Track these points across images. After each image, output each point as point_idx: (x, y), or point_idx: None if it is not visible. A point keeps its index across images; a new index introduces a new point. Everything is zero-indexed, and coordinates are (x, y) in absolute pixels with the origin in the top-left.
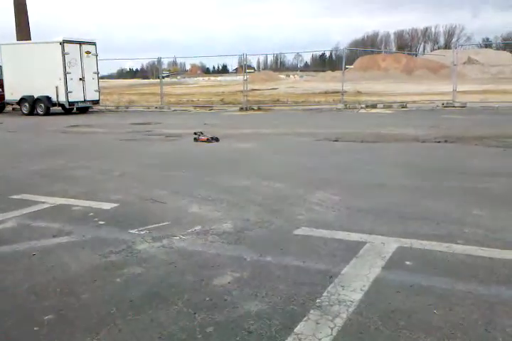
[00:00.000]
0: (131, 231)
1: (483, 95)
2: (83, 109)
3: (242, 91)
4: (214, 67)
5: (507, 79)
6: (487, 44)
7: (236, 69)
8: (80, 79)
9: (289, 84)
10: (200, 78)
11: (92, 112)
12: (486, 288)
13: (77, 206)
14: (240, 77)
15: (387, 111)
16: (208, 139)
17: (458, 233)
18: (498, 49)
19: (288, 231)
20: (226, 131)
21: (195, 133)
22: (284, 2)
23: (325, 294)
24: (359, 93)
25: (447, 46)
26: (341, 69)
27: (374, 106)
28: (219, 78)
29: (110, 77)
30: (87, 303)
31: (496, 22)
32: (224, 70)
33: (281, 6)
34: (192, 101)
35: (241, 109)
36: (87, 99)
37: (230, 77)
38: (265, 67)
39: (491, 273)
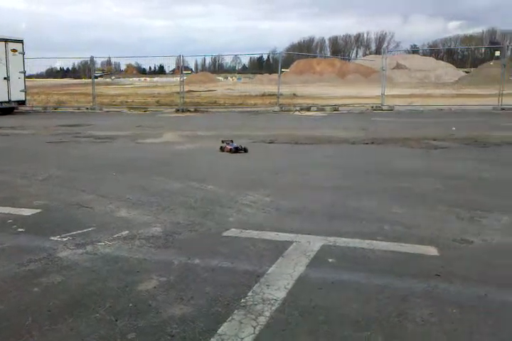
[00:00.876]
0: (52, 238)
1: (409, 99)
2: (7, 109)
3: (178, 93)
4: (150, 68)
5: (432, 83)
6: (414, 50)
7: (173, 70)
8: (5, 78)
9: (226, 86)
10: (136, 79)
11: (18, 113)
12: (401, 281)
13: None
14: (176, 78)
15: (321, 113)
16: (231, 149)
17: (378, 230)
18: (424, 55)
19: (217, 233)
20: (160, 133)
21: (222, 142)
22: (223, 5)
23: (250, 294)
24: (295, 96)
25: (378, 52)
26: (278, 73)
27: (308, 109)
28: (155, 79)
29: (38, 76)
30: None
31: (423, 29)
32: (161, 71)
33: (220, 8)
34: (126, 102)
35: (177, 110)
36: (12, 99)
37: (166, 78)
38: (203, 69)
39: (406, 267)
